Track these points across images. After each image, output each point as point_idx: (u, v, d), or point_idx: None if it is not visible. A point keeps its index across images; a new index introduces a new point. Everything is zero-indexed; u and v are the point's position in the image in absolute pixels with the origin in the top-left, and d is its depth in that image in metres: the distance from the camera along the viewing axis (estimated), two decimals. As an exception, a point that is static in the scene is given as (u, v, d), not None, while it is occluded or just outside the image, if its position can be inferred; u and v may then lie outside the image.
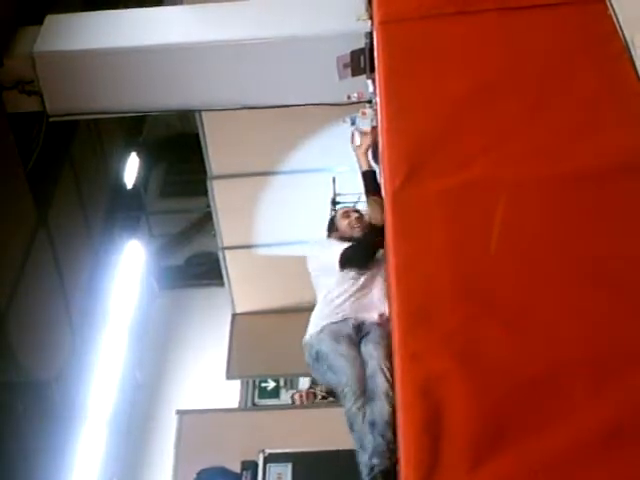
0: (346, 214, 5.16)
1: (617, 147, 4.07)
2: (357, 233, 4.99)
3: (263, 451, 7.67)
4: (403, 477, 3.15)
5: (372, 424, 4.07)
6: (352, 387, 4.28)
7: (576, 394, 3.15)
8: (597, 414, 3.07)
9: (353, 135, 5.35)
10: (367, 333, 4.53)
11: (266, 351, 10.89)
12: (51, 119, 8.33)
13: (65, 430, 9.10)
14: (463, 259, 3.68)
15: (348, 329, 4.57)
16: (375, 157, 5.87)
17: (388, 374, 4.16)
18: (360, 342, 4.53)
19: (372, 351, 4.39)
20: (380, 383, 4.17)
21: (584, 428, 3.04)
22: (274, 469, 7.59)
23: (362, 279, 4.74)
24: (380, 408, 4.08)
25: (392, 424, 3.91)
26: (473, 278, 3.63)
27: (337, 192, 8.92)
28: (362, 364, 4.38)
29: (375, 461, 3.95)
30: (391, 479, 3.81)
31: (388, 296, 3.85)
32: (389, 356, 4.16)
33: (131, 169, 12.45)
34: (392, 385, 4.03)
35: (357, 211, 5.17)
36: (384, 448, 3.97)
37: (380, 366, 4.25)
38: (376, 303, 4.65)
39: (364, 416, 4.15)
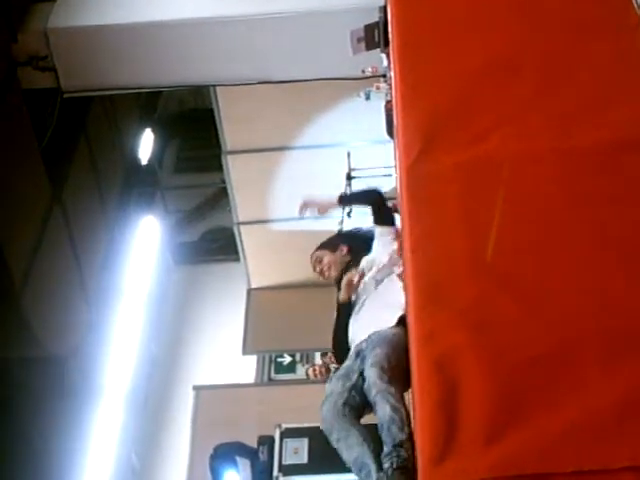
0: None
1: (634, 120, 4.03)
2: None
3: (279, 426, 7.69)
4: (419, 453, 3.16)
5: (381, 427, 4.05)
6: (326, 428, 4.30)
7: (589, 369, 3.14)
8: (610, 388, 3.06)
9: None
10: (365, 349, 4.52)
11: (282, 326, 10.91)
12: (65, 95, 8.35)
13: (82, 406, 9.16)
14: (478, 234, 3.66)
15: (349, 360, 4.58)
16: (389, 132, 5.85)
17: (382, 374, 4.12)
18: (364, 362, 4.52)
19: (366, 362, 4.37)
20: (375, 389, 4.15)
21: (598, 402, 3.03)
22: (291, 444, 7.60)
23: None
24: (382, 411, 4.06)
25: (397, 420, 3.91)
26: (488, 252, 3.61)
27: (352, 167, 8.90)
28: (342, 395, 4.32)
29: (386, 464, 3.92)
30: (408, 473, 3.81)
31: (403, 272, 3.84)
32: (387, 354, 4.19)
33: (146, 145, 12.45)
34: (389, 382, 4.04)
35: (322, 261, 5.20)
36: (391, 447, 3.95)
37: (371, 373, 4.23)
38: (367, 322, 4.65)
39: (348, 447, 4.16)
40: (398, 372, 4.13)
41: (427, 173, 3.95)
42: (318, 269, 5.20)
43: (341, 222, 8.14)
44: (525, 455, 2.96)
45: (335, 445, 4.20)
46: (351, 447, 4.09)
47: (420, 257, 3.65)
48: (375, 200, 5.20)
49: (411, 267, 3.63)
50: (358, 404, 4.22)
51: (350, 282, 4.78)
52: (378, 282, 4.82)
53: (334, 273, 5.13)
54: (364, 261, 5.00)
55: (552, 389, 3.11)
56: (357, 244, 5.15)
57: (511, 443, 2.98)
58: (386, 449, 3.89)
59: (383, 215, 5.12)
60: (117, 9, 8.05)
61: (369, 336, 4.50)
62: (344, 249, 5.17)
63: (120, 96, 10.32)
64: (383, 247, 4.96)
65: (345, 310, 4.82)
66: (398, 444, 3.83)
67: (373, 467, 3.91)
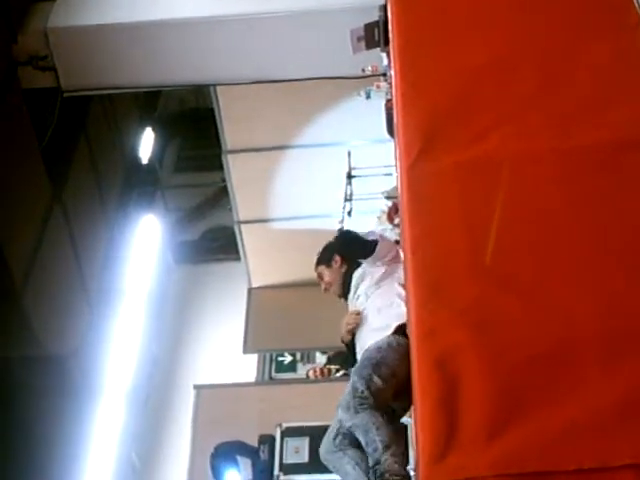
0: None
1: (634, 120, 4.03)
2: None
3: (280, 425, 7.71)
4: (420, 451, 3.16)
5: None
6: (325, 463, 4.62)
7: (590, 368, 3.15)
8: (611, 387, 3.07)
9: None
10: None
11: (283, 325, 10.92)
12: (65, 95, 8.35)
13: (83, 405, 9.17)
14: (478, 233, 3.67)
15: None
16: (390, 131, 5.85)
17: (346, 410, 4.35)
18: None
19: None
20: (352, 429, 4.34)
21: (598, 400, 3.04)
22: (291, 443, 7.63)
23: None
24: (361, 440, 4.27)
25: (370, 442, 4.18)
26: (487, 253, 3.62)
27: (352, 166, 8.89)
28: (334, 426, 4.58)
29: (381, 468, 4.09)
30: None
31: (404, 272, 3.86)
32: (353, 384, 4.41)
33: (146, 144, 12.45)
34: (356, 412, 4.28)
35: None
36: (370, 468, 4.16)
37: (339, 415, 4.44)
38: (362, 341, 4.81)
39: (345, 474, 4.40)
40: (373, 393, 4.35)
41: (427, 172, 3.95)
42: (323, 286, 5.36)
43: (342, 221, 8.16)
44: (526, 453, 2.97)
45: (336, 474, 4.47)
46: (347, 473, 4.37)
47: (420, 256, 3.66)
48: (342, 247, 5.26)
49: (411, 266, 3.64)
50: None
51: (350, 330, 4.91)
52: (368, 296, 4.93)
53: (337, 289, 5.27)
54: (356, 275, 5.12)
55: (552, 387, 3.12)
56: (349, 250, 5.21)
57: (512, 441, 2.99)
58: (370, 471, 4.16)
59: (357, 251, 5.14)
60: (117, 9, 8.05)
61: (361, 357, 4.69)
62: (338, 260, 5.27)
63: (120, 96, 10.33)
64: (372, 265, 5.03)
65: (351, 345, 4.97)
66: (375, 463, 4.10)
67: None
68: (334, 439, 4.47)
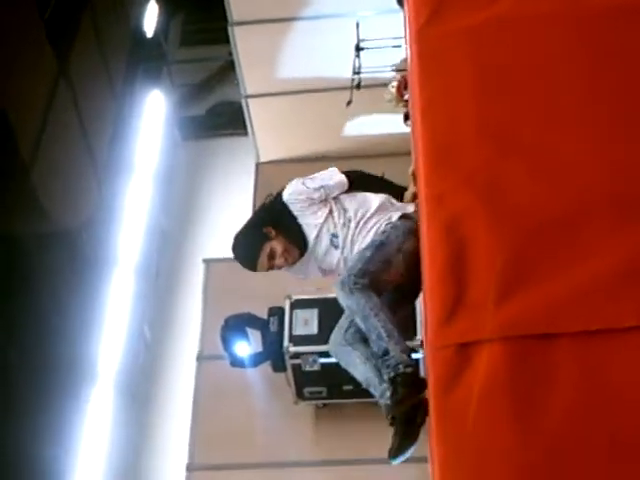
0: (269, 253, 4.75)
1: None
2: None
3: (289, 297, 7.81)
4: (428, 316, 3.20)
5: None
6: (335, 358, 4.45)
7: (597, 230, 3.16)
8: (618, 249, 3.08)
9: None
10: None
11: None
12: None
13: (94, 279, 9.27)
14: (488, 98, 3.62)
15: None
16: (399, 0, 5.72)
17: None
18: None
19: None
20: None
21: (605, 263, 3.06)
22: (300, 314, 7.74)
23: None
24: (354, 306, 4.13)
25: (372, 330, 4.03)
26: (497, 118, 3.58)
27: (361, 38, 8.74)
28: (343, 325, 4.40)
29: (385, 376, 3.97)
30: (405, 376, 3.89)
31: (413, 136, 3.82)
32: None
33: (151, 17, 12.22)
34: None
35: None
36: (379, 359, 4.03)
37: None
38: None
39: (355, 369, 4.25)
40: (370, 273, 4.16)
41: (437, 36, 3.87)
42: (280, 262, 4.77)
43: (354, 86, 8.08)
44: (533, 315, 3.00)
45: (346, 368, 4.30)
46: (357, 367, 4.19)
47: (430, 121, 3.62)
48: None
49: (421, 131, 3.60)
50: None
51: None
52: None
53: (295, 249, 4.76)
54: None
55: (559, 251, 3.13)
56: (267, 216, 4.85)
57: (519, 304, 3.02)
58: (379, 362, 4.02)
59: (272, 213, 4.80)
60: None
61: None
62: (271, 230, 4.72)
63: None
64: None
65: None
66: (383, 353, 3.94)
67: (376, 380, 4.02)
68: (345, 332, 4.26)
